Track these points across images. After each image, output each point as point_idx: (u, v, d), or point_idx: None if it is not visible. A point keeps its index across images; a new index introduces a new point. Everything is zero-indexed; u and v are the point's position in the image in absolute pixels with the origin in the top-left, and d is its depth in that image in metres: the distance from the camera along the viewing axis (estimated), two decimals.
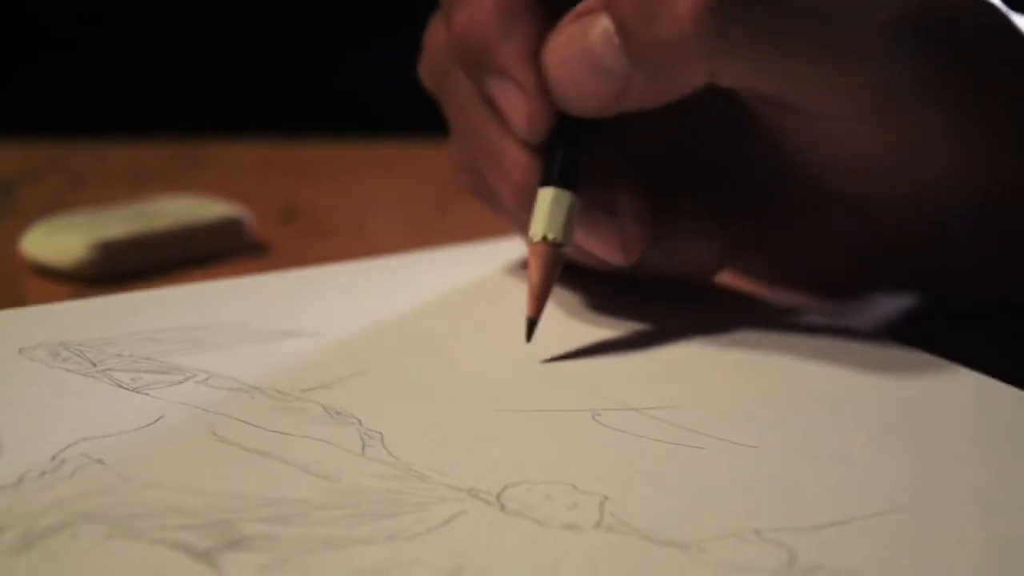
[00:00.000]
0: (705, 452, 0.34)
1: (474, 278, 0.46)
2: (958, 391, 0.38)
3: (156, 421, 0.34)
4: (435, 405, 0.36)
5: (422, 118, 0.62)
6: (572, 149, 0.40)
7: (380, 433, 0.34)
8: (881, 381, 0.38)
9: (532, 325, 0.39)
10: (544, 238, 0.39)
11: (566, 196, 0.39)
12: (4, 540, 0.28)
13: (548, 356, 0.39)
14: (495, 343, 0.41)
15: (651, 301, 0.44)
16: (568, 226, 0.39)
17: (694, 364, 0.40)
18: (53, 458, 0.32)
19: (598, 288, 0.44)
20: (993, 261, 0.44)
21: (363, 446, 0.33)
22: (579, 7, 0.39)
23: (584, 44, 0.38)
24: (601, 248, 0.41)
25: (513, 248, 0.49)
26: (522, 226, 0.42)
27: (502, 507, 0.30)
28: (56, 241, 0.50)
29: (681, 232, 0.42)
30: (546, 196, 0.39)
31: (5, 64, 1.19)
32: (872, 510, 0.31)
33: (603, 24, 0.38)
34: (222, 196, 0.59)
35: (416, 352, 0.40)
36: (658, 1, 0.37)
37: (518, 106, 0.40)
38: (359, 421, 0.34)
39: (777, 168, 0.43)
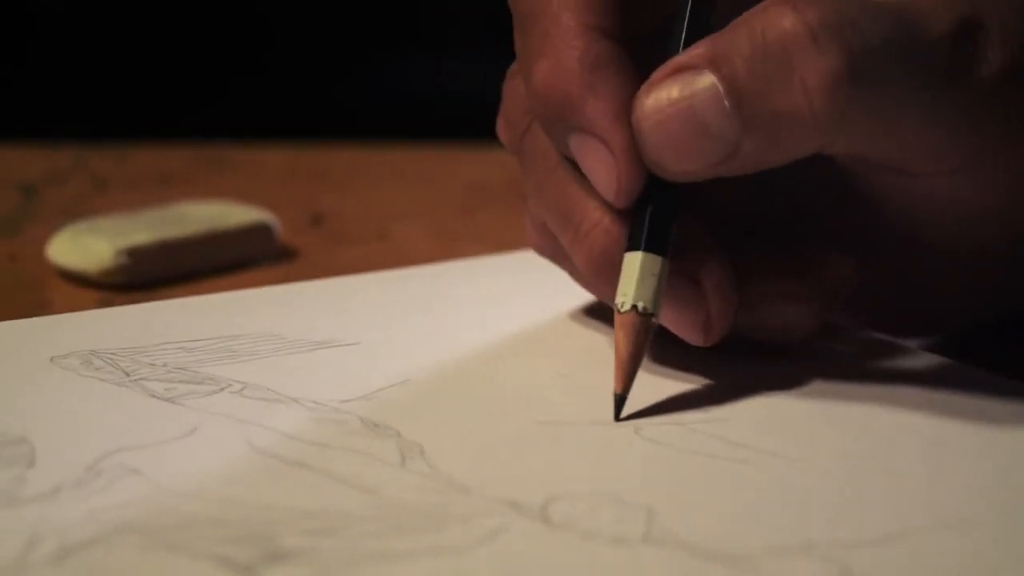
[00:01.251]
0: (751, 465, 0.33)
1: (510, 289, 0.45)
2: (1012, 404, 0.37)
3: (192, 432, 0.33)
4: (475, 416, 0.35)
5: (449, 124, 0.62)
6: (663, 211, 0.37)
7: (420, 445, 0.33)
8: (932, 394, 0.38)
9: (621, 402, 0.36)
10: (634, 307, 0.36)
11: (656, 262, 0.36)
12: (40, 552, 0.27)
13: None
14: (534, 354, 0.40)
15: None
16: (659, 295, 0.36)
17: (738, 377, 0.39)
18: (88, 468, 0.31)
19: None
20: None
21: (403, 458, 0.32)
22: (675, 61, 0.36)
23: (688, 104, 0.35)
24: (681, 325, 0.38)
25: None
26: (600, 293, 0.40)
27: (546, 520, 0.30)
28: (83, 247, 0.50)
29: (772, 296, 0.40)
30: (634, 261, 0.36)
31: (27, 68, 1.19)
32: (926, 523, 0.30)
33: (709, 82, 0.35)
34: (246, 201, 0.58)
35: (454, 363, 0.39)
36: (781, 63, 0.35)
37: (605, 167, 0.37)
38: (398, 433, 0.34)
39: (871, 223, 0.41)
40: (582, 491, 0.31)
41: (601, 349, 0.40)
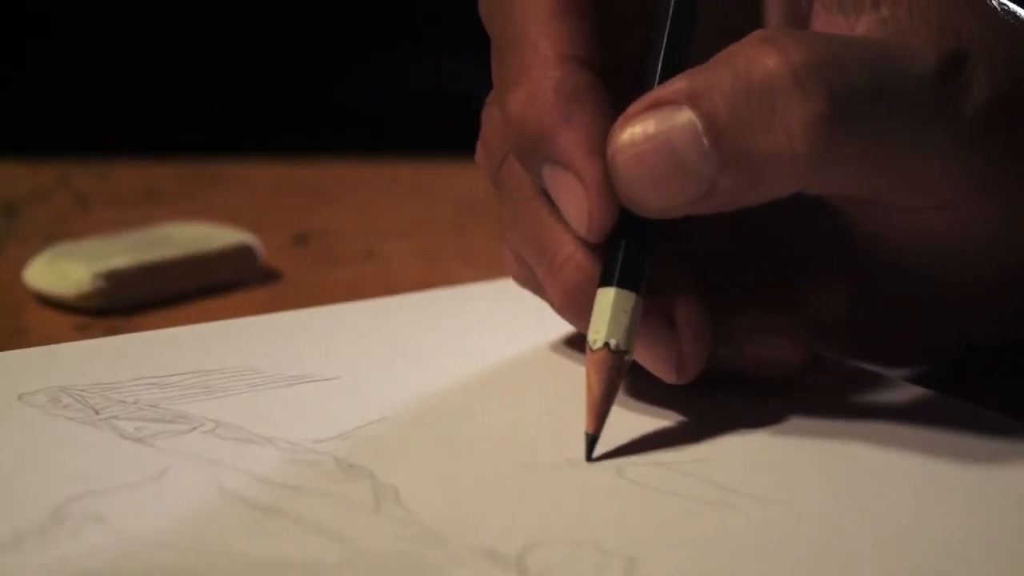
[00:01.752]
0: (735, 509, 0.32)
1: (495, 319, 0.44)
2: (999, 440, 0.36)
3: (161, 474, 0.32)
4: (453, 457, 0.34)
5: (438, 137, 0.61)
6: (637, 246, 0.36)
7: (395, 488, 0.32)
8: (921, 430, 0.37)
9: (593, 442, 0.35)
10: (606, 345, 0.35)
11: (629, 298, 0.35)
12: None
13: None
14: (519, 389, 0.39)
15: None
16: (632, 332, 0.35)
17: (721, 412, 0.38)
18: (52, 515, 0.30)
19: None
20: None
21: (377, 502, 0.32)
22: (653, 95, 0.35)
23: (665, 140, 0.34)
24: (654, 363, 0.37)
25: None
26: (574, 326, 0.39)
27: (523, 571, 0.29)
28: (60, 271, 0.49)
29: (756, 330, 0.39)
30: (607, 298, 0.35)
31: (10, 81, 1.18)
32: (914, 571, 0.29)
33: (687, 118, 0.34)
34: (232, 218, 0.57)
35: (435, 398, 0.38)
36: (763, 105, 0.34)
37: (577, 201, 0.36)
38: (373, 475, 0.33)
39: (856, 254, 0.40)
40: (561, 538, 0.30)
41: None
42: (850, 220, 0.39)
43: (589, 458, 0.35)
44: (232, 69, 1.26)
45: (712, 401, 0.38)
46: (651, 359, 0.37)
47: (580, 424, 0.36)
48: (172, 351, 0.41)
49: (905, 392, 0.40)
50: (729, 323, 0.38)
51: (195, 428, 0.35)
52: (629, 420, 0.37)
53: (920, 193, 0.36)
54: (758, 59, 0.34)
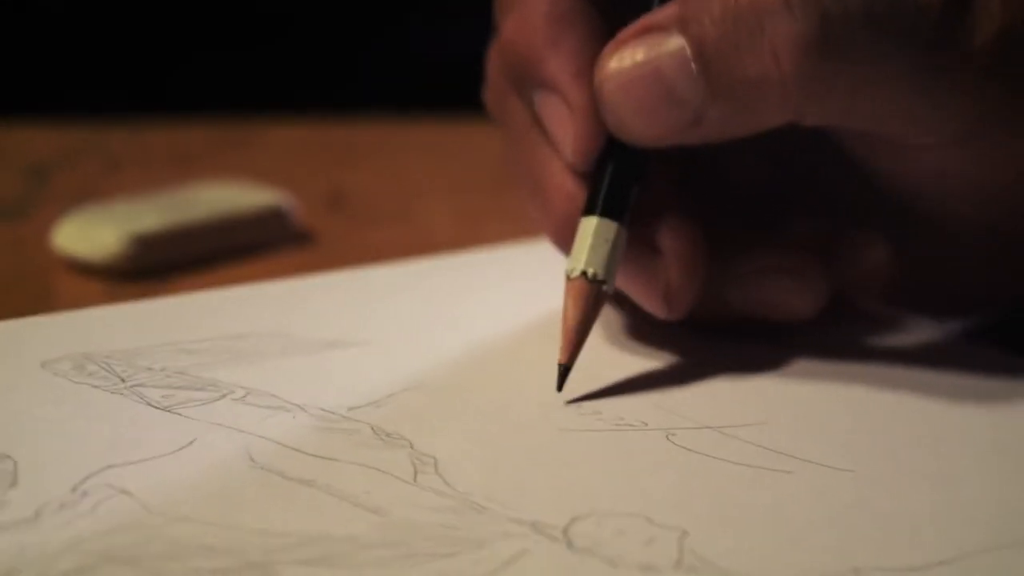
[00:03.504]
0: (794, 477, 0.31)
1: (535, 280, 0.43)
2: None
3: (188, 445, 0.31)
4: (493, 424, 0.33)
5: (474, 96, 0.59)
6: (622, 175, 0.35)
7: (433, 457, 0.31)
8: (992, 397, 0.35)
9: (565, 372, 0.34)
10: (583, 274, 0.34)
11: (611, 228, 0.35)
12: None
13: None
14: (556, 355, 0.37)
15: None
16: (611, 262, 0.35)
17: (778, 375, 0.36)
18: (74, 489, 0.29)
19: None
20: None
21: (415, 473, 0.30)
22: (644, 20, 0.34)
23: (652, 66, 0.34)
24: (642, 295, 0.36)
25: None
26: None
27: (569, 544, 0.27)
28: (89, 234, 0.47)
29: (766, 270, 0.38)
30: (588, 226, 0.35)
31: (38, 43, 1.17)
32: (985, 544, 0.28)
33: (677, 44, 0.33)
34: (265, 179, 0.56)
35: (472, 363, 0.37)
36: (752, 27, 0.33)
37: (564, 125, 0.36)
38: (410, 444, 0.31)
39: (879, 198, 0.39)
40: (609, 509, 0.29)
41: (635, 345, 0.38)
42: (865, 160, 0.37)
43: (560, 389, 0.34)
44: (262, 27, 1.24)
45: (764, 358, 0.37)
46: (638, 291, 0.36)
47: (626, 391, 0.35)
48: (200, 316, 0.39)
49: (960, 349, 0.38)
50: (743, 262, 0.37)
51: (224, 395, 0.34)
52: (673, 375, 0.36)
53: (929, 127, 0.35)
54: None
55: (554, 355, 0.35)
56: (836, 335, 0.39)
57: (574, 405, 0.34)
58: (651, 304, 0.36)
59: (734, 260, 0.37)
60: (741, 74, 0.33)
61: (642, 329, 0.39)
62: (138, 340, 0.37)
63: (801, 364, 0.37)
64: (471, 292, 0.42)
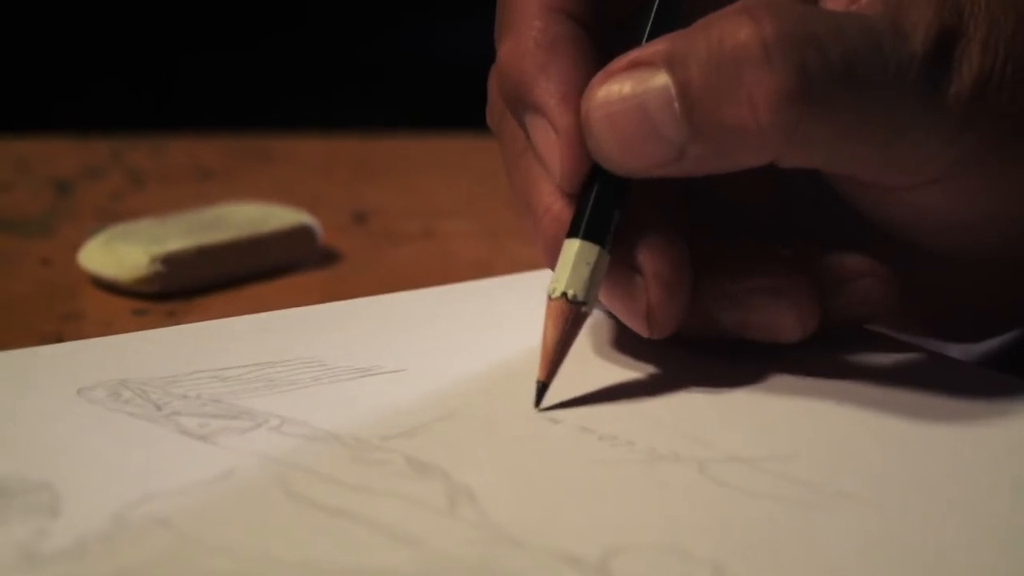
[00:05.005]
0: (824, 509, 0.31)
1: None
2: None
3: (226, 475, 0.31)
4: (527, 454, 0.33)
5: None
6: (605, 199, 0.36)
7: (469, 488, 0.31)
8: (1018, 425, 0.35)
9: (543, 389, 0.36)
10: (564, 295, 0.36)
11: (592, 250, 0.36)
12: None
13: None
14: (591, 381, 0.38)
15: None
16: (592, 284, 0.36)
17: (805, 405, 0.36)
18: (115, 518, 0.29)
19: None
20: None
21: (451, 504, 0.30)
22: (632, 55, 0.35)
23: (638, 101, 0.35)
24: (625, 315, 0.37)
25: None
26: None
27: None
28: (116, 254, 0.48)
29: (757, 290, 0.38)
30: (571, 249, 0.36)
31: (61, 60, 1.17)
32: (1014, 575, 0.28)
33: (662, 82, 0.34)
34: (288, 196, 0.56)
35: (505, 392, 0.37)
36: (732, 75, 0.34)
37: (551, 149, 0.37)
38: (445, 474, 0.32)
39: (855, 221, 0.39)
40: (644, 542, 0.29)
41: (666, 376, 0.38)
42: (848, 197, 0.38)
43: (537, 405, 0.35)
44: (283, 42, 1.25)
45: (790, 388, 0.37)
46: (622, 311, 0.37)
47: (656, 417, 0.35)
48: (233, 342, 0.39)
49: (984, 376, 0.38)
50: (735, 282, 0.38)
51: (260, 424, 0.34)
52: (703, 407, 0.36)
53: (906, 171, 0.36)
54: (732, 29, 0.34)
55: (585, 386, 0.36)
56: (860, 365, 0.39)
57: (607, 437, 0.34)
58: (634, 324, 0.37)
59: (725, 279, 0.38)
60: (721, 119, 0.34)
61: (662, 351, 0.39)
62: (172, 367, 0.37)
63: (827, 394, 0.37)
64: (501, 318, 0.42)
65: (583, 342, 0.40)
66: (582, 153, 0.36)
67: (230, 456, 0.32)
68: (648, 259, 0.37)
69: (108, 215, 0.55)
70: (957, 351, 0.42)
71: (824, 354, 0.39)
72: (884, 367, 0.39)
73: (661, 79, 0.34)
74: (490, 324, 0.42)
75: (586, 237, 0.36)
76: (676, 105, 0.34)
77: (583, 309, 0.36)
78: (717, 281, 0.38)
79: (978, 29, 0.35)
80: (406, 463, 0.32)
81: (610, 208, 0.36)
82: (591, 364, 0.39)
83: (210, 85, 1.17)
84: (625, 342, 0.40)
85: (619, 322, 0.39)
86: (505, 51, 0.38)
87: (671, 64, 0.34)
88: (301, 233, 0.52)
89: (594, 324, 0.41)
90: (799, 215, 0.41)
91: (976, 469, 0.33)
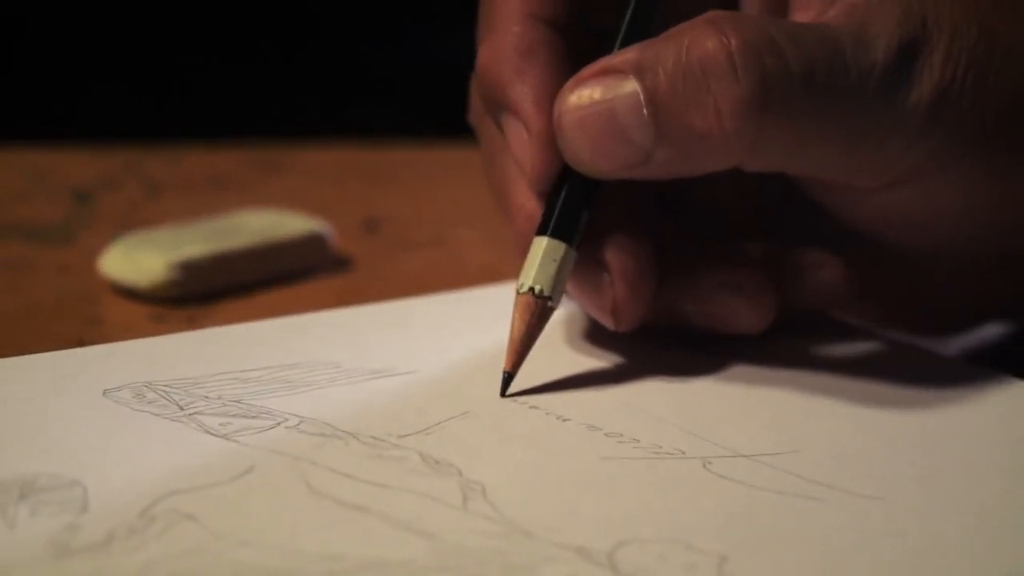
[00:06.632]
0: (826, 504, 0.32)
1: (575, 313, 0.44)
2: None
3: (247, 472, 0.32)
4: (537, 451, 0.34)
5: None
6: (575, 200, 0.38)
7: (481, 484, 0.32)
8: (1017, 423, 0.36)
9: (508, 379, 0.38)
10: (531, 290, 0.37)
11: (559, 248, 0.38)
12: None
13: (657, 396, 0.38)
14: (598, 384, 0.39)
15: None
16: (559, 280, 0.38)
17: (805, 404, 0.38)
18: (142, 514, 0.30)
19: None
20: None
21: (464, 499, 0.31)
22: (603, 62, 0.37)
23: (608, 107, 0.36)
24: (591, 309, 0.39)
25: None
26: None
27: (614, 569, 0.29)
28: (135, 260, 0.49)
29: (719, 285, 0.40)
30: (539, 246, 0.38)
31: (78, 72, 1.18)
32: (1013, 571, 0.29)
33: (631, 89, 0.36)
34: (301, 204, 0.57)
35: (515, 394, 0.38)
36: (698, 83, 0.35)
37: (523, 149, 0.38)
38: (459, 471, 0.33)
39: (820, 219, 0.41)
40: (651, 535, 0.30)
41: (670, 374, 0.39)
42: (811, 197, 0.40)
43: (503, 394, 0.37)
44: (290, 54, 1.26)
45: (792, 385, 0.38)
46: (589, 306, 0.39)
47: (661, 416, 0.36)
48: (253, 345, 0.41)
49: (984, 376, 0.39)
50: (699, 277, 0.40)
51: (279, 423, 0.35)
52: (707, 404, 0.38)
53: (867, 174, 0.38)
54: (700, 39, 0.36)
55: (592, 385, 0.38)
56: (861, 364, 0.40)
57: (613, 435, 0.35)
58: (601, 318, 0.39)
59: (691, 275, 0.40)
60: (687, 126, 0.36)
61: (665, 350, 0.41)
62: (194, 369, 0.38)
63: (829, 392, 0.38)
64: (509, 322, 0.43)
65: (583, 340, 0.41)
66: (553, 155, 0.38)
67: (251, 454, 0.33)
68: (614, 257, 0.38)
69: (127, 224, 0.56)
70: (955, 348, 0.43)
71: (826, 354, 0.40)
72: (884, 366, 0.40)
73: (630, 86, 0.36)
74: (499, 328, 0.43)
75: (553, 235, 0.38)
76: (644, 111, 0.36)
77: (549, 304, 0.38)
78: (682, 277, 0.40)
79: (941, 39, 0.37)
80: (421, 460, 0.33)
81: (578, 208, 0.38)
82: (590, 363, 0.40)
83: (225, 96, 1.18)
84: (624, 341, 0.41)
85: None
86: (484, 54, 0.39)
87: (640, 72, 0.36)
88: (314, 240, 0.53)
89: (593, 322, 0.42)
90: (770, 213, 0.43)
91: (974, 465, 0.34)
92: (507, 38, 0.39)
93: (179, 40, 1.22)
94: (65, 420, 0.35)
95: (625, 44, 0.37)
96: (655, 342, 0.41)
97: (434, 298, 0.45)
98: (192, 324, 0.47)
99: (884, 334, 0.42)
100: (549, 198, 0.38)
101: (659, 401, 0.38)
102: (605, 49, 0.38)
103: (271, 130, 0.76)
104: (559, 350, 0.41)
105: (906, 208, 0.39)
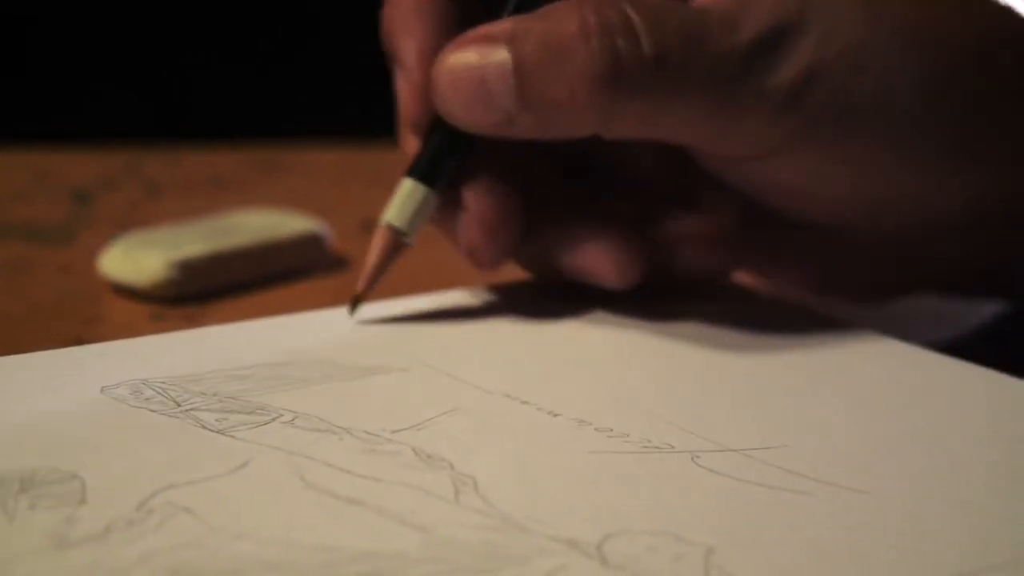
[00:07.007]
0: (813, 498, 0.32)
1: (560, 309, 0.45)
2: None
3: (243, 466, 0.33)
4: (527, 446, 0.35)
5: None
6: (440, 148, 0.42)
7: (473, 478, 0.33)
8: (1001, 418, 0.37)
9: (357, 301, 0.42)
10: (389, 224, 0.42)
11: (420, 190, 0.42)
12: None
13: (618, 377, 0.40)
14: (588, 379, 0.39)
15: (731, 321, 0.43)
16: (415, 219, 0.42)
17: (794, 398, 0.38)
18: (139, 507, 0.31)
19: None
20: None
21: (456, 493, 0.32)
22: (482, 29, 0.40)
23: (478, 72, 0.39)
24: (456, 248, 0.43)
25: None
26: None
27: (604, 560, 0.29)
28: (134, 260, 0.49)
29: (585, 238, 0.43)
30: (404, 186, 0.42)
31: (79, 73, 1.19)
32: (995, 561, 0.30)
33: (501, 57, 0.39)
34: (299, 205, 0.58)
35: (504, 390, 0.38)
36: (558, 57, 0.38)
37: (402, 92, 0.43)
38: (451, 465, 0.33)
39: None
40: (639, 527, 0.31)
41: (660, 370, 0.40)
42: (702, 163, 0.43)
43: (351, 315, 0.42)
44: (292, 53, 1.26)
45: (780, 380, 0.39)
46: (453, 245, 0.44)
47: (652, 411, 0.37)
48: (248, 343, 0.41)
49: (968, 373, 0.40)
50: (567, 230, 0.43)
51: (275, 419, 0.36)
52: (696, 399, 0.38)
53: (733, 145, 0.40)
54: (566, 16, 0.39)
55: (583, 380, 0.38)
56: (848, 361, 0.41)
57: (604, 429, 0.36)
58: (466, 255, 0.43)
59: (562, 227, 0.43)
60: (546, 96, 0.39)
61: (655, 343, 0.41)
62: (191, 366, 0.39)
63: (817, 388, 0.39)
64: (502, 320, 0.44)
65: (574, 336, 0.42)
66: (427, 105, 0.41)
67: (247, 448, 0.34)
68: (473, 200, 0.42)
69: (127, 224, 0.56)
70: (941, 341, 0.43)
71: (814, 350, 0.41)
72: (871, 362, 0.41)
73: (502, 54, 0.39)
74: (492, 326, 0.44)
75: (416, 177, 0.42)
76: (511, 79, 0.39)
77: (405, 239, 0.42)
78: (555, 229, 0.43)
79: (818, 24, 0.39)
80: (414, 455, 0.34)
81: (444, 155, 0.42)
82: (580, 358, 0.41)
83: (224, 97, 1.18)
84: (616, 337, 0.42)
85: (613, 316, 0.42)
86: (387, 8, 0.43)
87: (512, 41, 0.39)
88: (311, 240, 0.54)
89: (591, 320, 0.43)
90: (686, 185, 0.45)
91: (959, 459, 0.35)
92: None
93: (179, 41, 1.23)
94: (64, 416, 0.35)
95: (517, 11, 0.41)
96: (646, 338, 0.41)
97: (425, 297, 0.46)
98: (191, 323, 0.47)
99: (874, 331, 0.43)
100: (422, 143, 0.42)
101: (649, 396, 0.38)
102: (494, 16, 0.41)
103: (270, 131, 0.76)
104: (550, 346, 0.42)
105: (782, 179, 0.41)
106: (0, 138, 0.72)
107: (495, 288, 0.47)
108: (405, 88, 0.43)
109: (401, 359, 0.40)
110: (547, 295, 0.45)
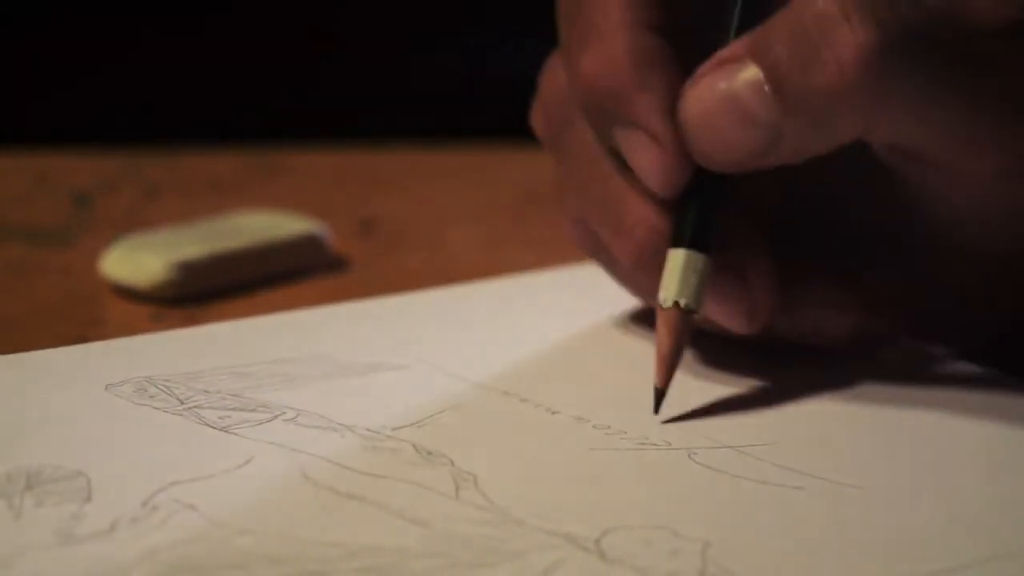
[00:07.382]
0: (806, 493, 0.33)
1: (561, 306, 0.45)
2: None
3: (246, 463, 0.33)
4: (527, 442, 0.35)
5: (498, 124, 0.62)
6: (706, 208, 0.37)
7: (473, 474, 0.33)
8: (993, 417, 0.37)
9: (661, 396, 0.37)
10: (675, 304, 0.37)
11: (699, 259, 0.37)
12: None
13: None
14: (587, 377, 0.40)
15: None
16: (700, 291, 0.37)
17: (789, 395, 0.39)
18: (144, 503, 0.31)
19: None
20: None
21: (456, 489, 0.32)
22: (719, 54, 0.36)
23: (729, 92, 0.36)
24: (726, 315, 0.38)
25: (601, 274, 0.48)
26: (638, 287, 0.41)
27: (602, 555, 0.30)
28: (135, 261, 0.50)
29: (812, 303, 0.40)
30: (678, 258, 0.37)
31: (77, 76, 1.19)
32: (984, 555, 0.30)
33: (750, 71, 0.35)
34: (298, 206, 0.58)
35: (504, 387, 0.39)
36: (816, 44, 0.35)
37: (652, 160, 0.37)
38: (451, 461, 0.34)
39: (914, 229, 0.40)
40: (637, 523, 0.31)
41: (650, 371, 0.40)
42: (910, 186, 0.39)
43: (656, 411, 0.37)
44: (287, 57, 1.26)
45: (773, 379, 0.39)
46: (722, 310, 0.38)
47: (649, 413, 0.37)
48: (250, 341, 0.42)
49: (960, 369, 0.40)
50: (786, 291, 0.39)
51: (277, 416, 0.36)
52: (693, 400, 0.38)
53: (978, 152, 0.36)
54: (810, 2, 0.35)
55: (581, 378, 0.39)
56: (844, 359, 0.41)
57: (602, 427, 0.36)
58: (734, 322, 0.38)
59: (787, 290, 0.39)
60: (811, 87, 0.35)
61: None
62: (194, 364, 0.39)
63: (810, 384, 0.39)
64: (501, 318, 0.45)
65: (572, 335, 0.42)
66: (684, 163, 0.37)
67: (250, 445, 0.34)
68: (752, 263, 0.38)
69: (126, 226, 0.56)
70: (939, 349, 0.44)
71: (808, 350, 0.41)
72: (865, 361, 0.41)
73: (750, 69, 0.35)
74: (490, 324, 0.44)
75: (692, 246, 0.37)
76: (766, 88, 0.35)
77: (694, 316, 0.37)
78: (782, 291, 0.39)
79: None
80: (415, 451, 0.34)
81: (712, 216, 0.37)
82: (578, 357, 0.42)
83: (223, 100, 1.19)
84: (611, 336, 0.42)
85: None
86: (592, 65, 0.38)
87: (756, 53, 0.35)
88: (310, 241, 0.54)
89: (590, 318, 0.43)
90: (834, 229, 0.42)
91: (950, 455, 0.35)
92: (619, 46, 0.37)
93: (178, 42, 1.23)
94: (69, 414, 0.36)
95: (739, 36, 0.37)
96: (645, 337, 0.42)
97: (425, 294, 0.46)
98: (191, 323, 0.48)
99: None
100: (682, 208, 0.38)
101: (646, 394, 0.38)
102: (706, 48, 0.37)
103: (269, 134, 0.77)
104: (549, 344, 0.42)
105: (1004, 203, 0.37)
106: (0, 140, 0.73)
107: (495, 286, 0.47)
108: (649, 148, 0.37)
109: (402, 357, 0.41)
110: (544, 293, 0.46)
